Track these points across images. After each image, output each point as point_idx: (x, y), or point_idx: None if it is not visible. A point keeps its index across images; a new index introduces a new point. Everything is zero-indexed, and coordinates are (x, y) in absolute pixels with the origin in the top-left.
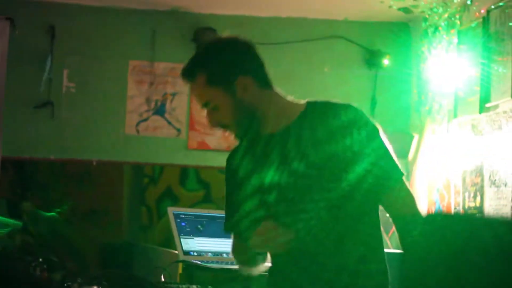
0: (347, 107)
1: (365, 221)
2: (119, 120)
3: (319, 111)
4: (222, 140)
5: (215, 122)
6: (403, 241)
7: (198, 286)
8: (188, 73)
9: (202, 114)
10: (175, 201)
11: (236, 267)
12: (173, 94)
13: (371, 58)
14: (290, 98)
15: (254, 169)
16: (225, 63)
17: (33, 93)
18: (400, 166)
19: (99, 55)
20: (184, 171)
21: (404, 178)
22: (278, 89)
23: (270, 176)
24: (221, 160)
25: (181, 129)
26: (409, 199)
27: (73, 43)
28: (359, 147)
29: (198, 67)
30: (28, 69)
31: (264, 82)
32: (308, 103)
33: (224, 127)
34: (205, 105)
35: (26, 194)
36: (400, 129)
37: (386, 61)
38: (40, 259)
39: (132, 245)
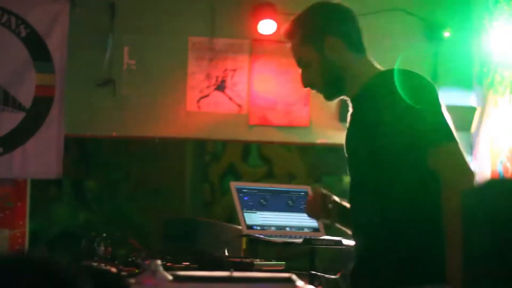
0: (409, 73)
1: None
2: (180, 97)
3: (382, 79)
4: (283, 116)
5: (306, 81)
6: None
7: (261, 259)
8: (286, 32)
9: (263, 89)
10: (238, 178)
11: (299, 241)
12: (234, 70)
13: (432, 31)
14: (379, 67)
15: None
16: (319, 23)
17: (94, 71)
18: (455, 134)
19: (159, 32)
20: (246, 147)
21: (457, 144)
22: (371, 58)
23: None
24: (282, 136)
25: (242, 104)
26: (461, 162)
27: (133, 21)
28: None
29: (294, 26)
30: (89, 48)
31: (355, 47)
32: (376, 74)
33: (314, 87)
34: (298, 63)
35: (90, 172)
36: (462, 101)
37: (446, 34)
38: (104, 235)
39: (195, 220)
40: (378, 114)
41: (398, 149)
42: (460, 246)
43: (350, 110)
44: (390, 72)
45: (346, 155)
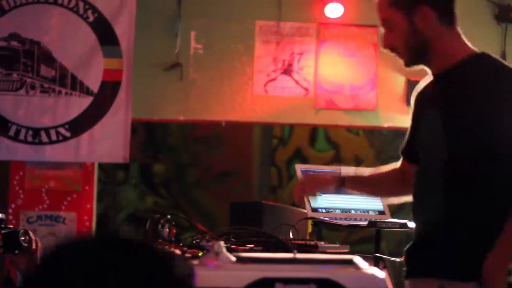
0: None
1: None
2: (247, 80)
3: (479, 66)
4: (350, 99)
5: (388, 43)
6: None
7: (325, 241)
8: None
9: (329, 73)
10: (305, 162)
11: (364, 223)
12: (300, 54)
13: (501, 13)
14: (465, 41)
15: (420, 106)
16: None
17: (161, 56)
18: None
19: (225, 16)
20: (313, 132)
21: None
22: (459, 29)
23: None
24: (349, 119)
25: (309, 88)
26: None
27: (200, 5)
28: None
29: None
30: (156, 32)
31: (446, 18)
32: (476, 55)
33: (394, 50)
34: (383, 23)
35: (158, 156)
36: None
37: None
38: (169, 216)
39: (262, 204)
40: (484, 102)
41: (476, 135)
42: None
43: (435, 85)
44: (497, 61)
45: (415, 132)
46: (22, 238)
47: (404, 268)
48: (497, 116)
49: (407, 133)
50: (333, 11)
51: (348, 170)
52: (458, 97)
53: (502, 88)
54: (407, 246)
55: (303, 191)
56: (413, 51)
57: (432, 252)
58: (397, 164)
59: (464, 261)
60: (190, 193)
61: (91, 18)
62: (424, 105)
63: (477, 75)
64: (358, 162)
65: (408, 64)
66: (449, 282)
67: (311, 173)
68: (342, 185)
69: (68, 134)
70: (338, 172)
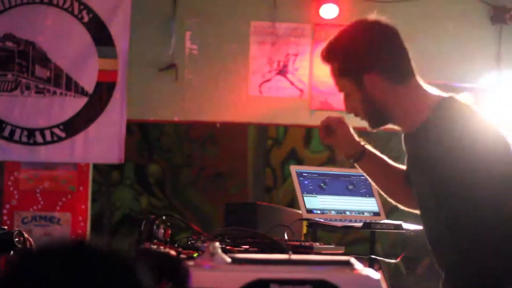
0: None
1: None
2: (241, 81)
3: (442, 116)
4: None
5: (349, 108)
6: None
7: (320, 242)
8: (323, 58)
9: (324, 74)
10: (299, 163)
11: (359, 225)
12: (296, 55)
13: (496, 14)
14: (430, 90)
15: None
16: (357, 55)
17: (156, 56)
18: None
19: (221, 17)
20: (308, 132)
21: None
22: (419, 80)
23: (410, 176)
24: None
25: (304, 89)
26: None
27: (195, 6)
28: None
29: (332, 54)
30: (151, 33)
31: (397, 77)
32: (441, 101)
33: (357, 115)
34: (338, 88)
35: (152, 157)
36: None
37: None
38: (164, 217)
39: (257, 205)
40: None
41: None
42: None
43: (408, 145)
44: (450, 110)
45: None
46: (17, 239)
47: None
48: (454, 165)
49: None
50: (328, 11)
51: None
52: (424, 158)
53: (453, 138)
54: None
55: (326, 132)
56: (373, 117)
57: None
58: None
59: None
60: (185, 194)
61: (86, 19)
62: (408, 157)
63: (434, 132)
64: (353, 163)
65: (372, 127)
66: None
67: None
68: (363, 153)
69: (63, 134)
70: (364, 143)
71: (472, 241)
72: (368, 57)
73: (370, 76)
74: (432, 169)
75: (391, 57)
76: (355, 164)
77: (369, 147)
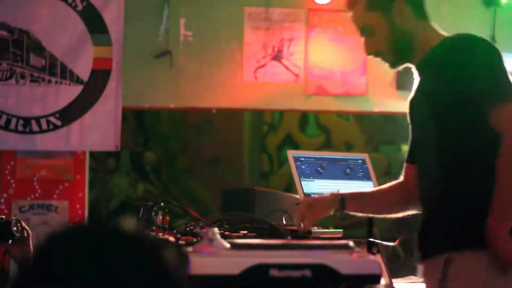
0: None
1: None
2: (236, 67)
3: (444, 47)
4: (340, 85)
5: (371, 48)
6: None
7: (319, 226)
8: (349, 0)
9: (319, 59)
10: (296, 148)
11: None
12: (290, 40)
13: None
14: (443, 34)
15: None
16: None
17: (151, 43)
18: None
19: (214, 3)
20: (303, 117)
21: None
22: (435, 24)
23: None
24: (339, 104)
25: (299, 74)
26: None
27: None
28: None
29: None
30: (145, 20)
31: (420, 12)
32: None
33: (379, 54)
34: (362, 30)
35: (148, 144)
36: None
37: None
38: (162, 204)
39: (253, 190)
40: (440, 80)
41: (456, 110)
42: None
43: (416, 77)
44: (453, 39)
45: (410, 122)
46: (15, 228)
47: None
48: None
49: (409, 142)
50: None
51: (347, 190)
52: (426, 86)
53: (447, 66)
54: (418, 232)
55: (302, 220)
56: (397, 50)
57: (437, 230)
58: (400, 179)
59: (468, 230)
60: (181, 180)
61: (79, 7)
62: (413, 102)
63: (436, 62)
64: (348, 147)
65: (394, 64)
66: (458, 253)
67: (311, 196)
68: (343, 207)
69: (58, 123)
70: (336, 192)
71: (462, 181)
72: None
73: (400, 5)
74: (433, 97)
75: None
76: (346, 212)
77: (343, 191)
